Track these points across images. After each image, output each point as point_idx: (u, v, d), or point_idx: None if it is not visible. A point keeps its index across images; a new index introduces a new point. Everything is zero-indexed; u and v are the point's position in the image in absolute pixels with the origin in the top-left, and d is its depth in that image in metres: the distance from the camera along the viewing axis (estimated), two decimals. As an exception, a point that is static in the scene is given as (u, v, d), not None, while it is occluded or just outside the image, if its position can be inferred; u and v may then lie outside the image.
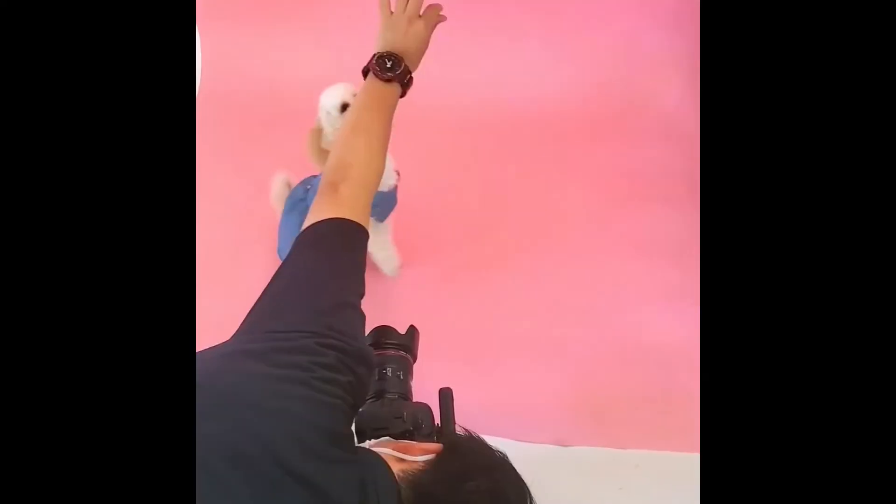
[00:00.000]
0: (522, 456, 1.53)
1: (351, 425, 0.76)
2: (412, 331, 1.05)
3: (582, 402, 1.62)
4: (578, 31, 2.33)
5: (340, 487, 0.68)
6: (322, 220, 0.82)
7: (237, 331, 0.77)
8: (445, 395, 0.96)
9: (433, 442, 0.86)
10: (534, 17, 2.32)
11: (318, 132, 1.55)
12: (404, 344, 1.03)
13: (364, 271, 0.84)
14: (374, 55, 0.94)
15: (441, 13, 0.99)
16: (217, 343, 0.75)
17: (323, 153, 1.56)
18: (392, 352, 1.02)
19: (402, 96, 0.96)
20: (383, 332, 1.03)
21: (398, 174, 1.66)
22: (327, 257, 0.82)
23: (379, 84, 0.93)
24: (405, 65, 0.94)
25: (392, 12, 0.97)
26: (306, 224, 0.83)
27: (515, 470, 0.79)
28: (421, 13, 0.97)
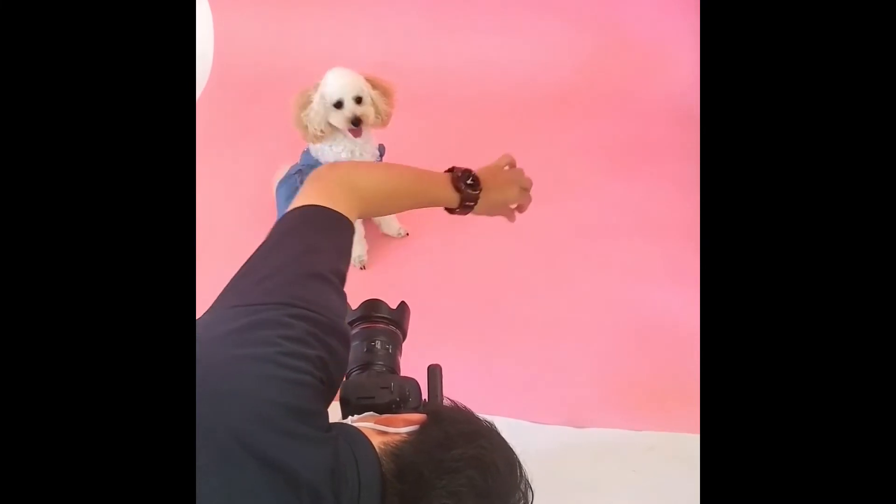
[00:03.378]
0: (536, 437, 1.52)
1: (324, 402, 0.73)
2: (403, 306, 1.03)
3: (596, 384, 1.61)
4: (588, 8, 2.30)
5: (309, 465, 0.65)
6: (297, 207, 0.81)
7: (209, 308, 0.74)
8: (434, 371, 0.95)
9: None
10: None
11: (305, 98, 1.56)
12: (394, 319, 1.01)
13: (343, 255, 0.81)
14: (467, 169, 0.98)
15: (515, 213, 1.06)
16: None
17: (300, 122, 1.59)
18: (382, 325, 1.00)
19: (450, 211, 0.99)
20: (373, 305, 1.01)
21: (382, 150, 1.66)
22: (300, 237, 0.80)
23: (446, 182, 0.96)
24: (479, 194, 0.98)
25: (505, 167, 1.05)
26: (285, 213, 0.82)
27: (503, 438, 0.77)
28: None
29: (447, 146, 2.05)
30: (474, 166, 1.79)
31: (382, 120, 1.63)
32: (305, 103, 1.57)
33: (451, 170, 0.98)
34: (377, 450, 0.72)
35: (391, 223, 1.89)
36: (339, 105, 1.56)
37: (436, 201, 0.97)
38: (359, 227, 1.80)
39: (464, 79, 2.15)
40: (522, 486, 0.75)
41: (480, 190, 0.98)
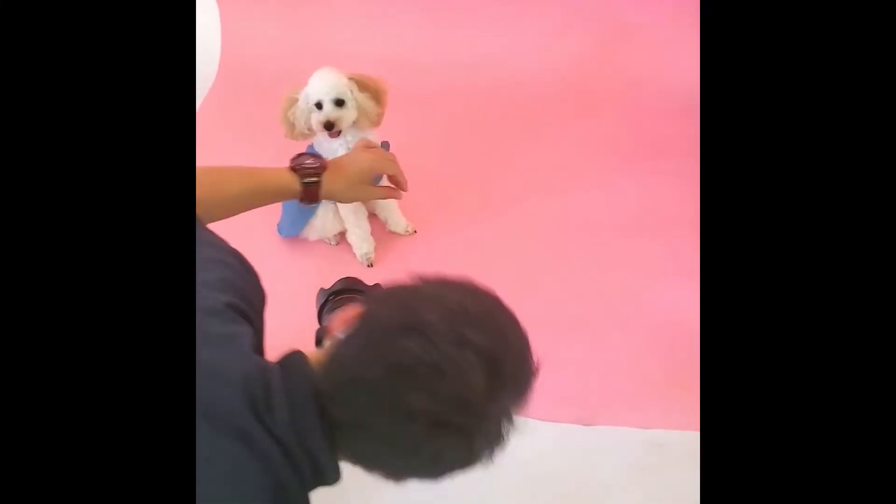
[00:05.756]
0: (545, 435, 1.51)
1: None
2: (377, 287, 1.05)
3: (605, 382, 1.60)
4: (588, 4, 2.30)
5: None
6: None
7: None
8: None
9: None
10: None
11: (292, 97, 1.57)
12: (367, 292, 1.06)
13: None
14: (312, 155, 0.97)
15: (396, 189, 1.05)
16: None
17: (286, 120, 1.61)
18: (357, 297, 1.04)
19: (301, 200, 0.96)
20: (350, 281, 1.06)
21: (386, 146, 1.66)
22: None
23: (283, 169, 0.95)
24: (318, 168, 0.95)
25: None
26: None
27: (466, 306, 0.69)
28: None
29: (449, 141, 2.06)
30: (475, 160, 1.82)
31: (372, 121, 1.61)
32: (292, 102, 1.57)
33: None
34: (313, 366, 0.67)
35: (398, 221, 1.88)
36: (319, 106, 1.55)
37: (277, 189, 0.95)
38: (365, 224, 1.80)
39: (464, 75, 2.17)
40: (499, 393, 0.64)
41: (322, 166, 0.95)
